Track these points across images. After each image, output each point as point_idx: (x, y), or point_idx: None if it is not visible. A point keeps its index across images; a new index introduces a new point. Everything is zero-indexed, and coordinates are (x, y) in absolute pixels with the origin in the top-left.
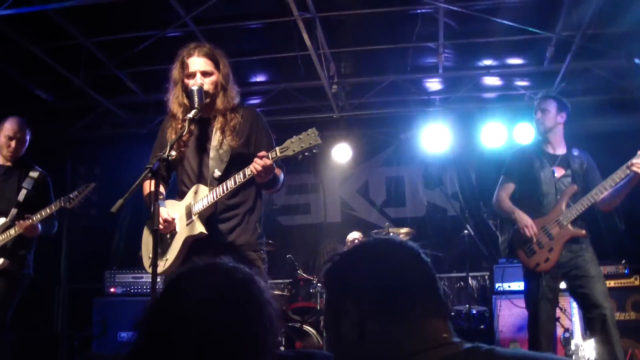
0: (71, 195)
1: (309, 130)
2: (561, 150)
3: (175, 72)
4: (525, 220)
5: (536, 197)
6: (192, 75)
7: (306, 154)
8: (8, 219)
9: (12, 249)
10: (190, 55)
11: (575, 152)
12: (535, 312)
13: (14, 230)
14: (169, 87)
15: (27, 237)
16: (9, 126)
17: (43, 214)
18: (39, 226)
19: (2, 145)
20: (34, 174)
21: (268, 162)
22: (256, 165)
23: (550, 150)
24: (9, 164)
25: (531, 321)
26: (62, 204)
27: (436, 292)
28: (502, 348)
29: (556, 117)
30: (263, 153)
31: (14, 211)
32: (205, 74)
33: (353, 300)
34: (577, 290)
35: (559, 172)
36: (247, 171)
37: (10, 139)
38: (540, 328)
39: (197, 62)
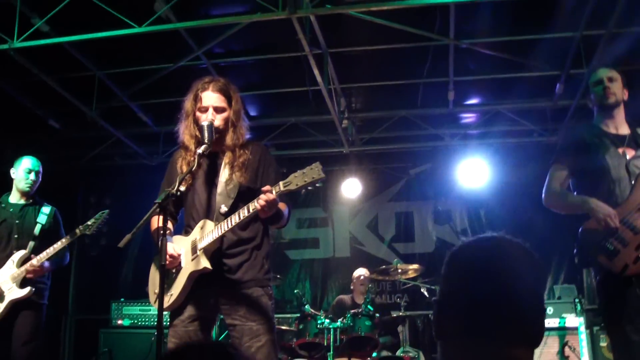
0: (89, 223)
1: (313, 164)
2: (624, 130)
3: (188, 104)
4: (605, 209)
5: (605, 185)
6: (205, 110)
7: (309, 188)
8: (27, 252)
9: (32, 280)
10: (204, 89)
11: None
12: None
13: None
14: (180, 118)
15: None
16: (28, 160)
17: (45, 254)
18: (45, 265)
19: (20, 179)
20: (46, 210)
21: (271, 196)
22: (260, 200)
23: (613, 130)
24: (23, 201)
25: None
26: (81, 232)
27: None
28: None
29: (623, 91)
30: (267, 187)
31: (31, 244)
32: (217, 109)
33: None
34: None
35: (629, 154)
36: (252, 206)
37: (30, 171)
38: None
39: (211, 97)
